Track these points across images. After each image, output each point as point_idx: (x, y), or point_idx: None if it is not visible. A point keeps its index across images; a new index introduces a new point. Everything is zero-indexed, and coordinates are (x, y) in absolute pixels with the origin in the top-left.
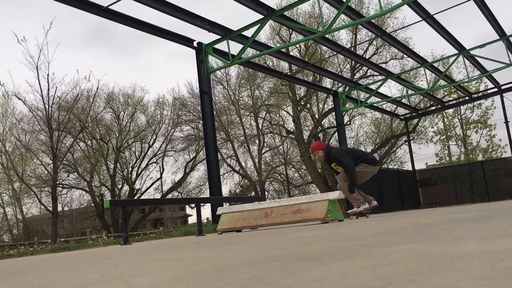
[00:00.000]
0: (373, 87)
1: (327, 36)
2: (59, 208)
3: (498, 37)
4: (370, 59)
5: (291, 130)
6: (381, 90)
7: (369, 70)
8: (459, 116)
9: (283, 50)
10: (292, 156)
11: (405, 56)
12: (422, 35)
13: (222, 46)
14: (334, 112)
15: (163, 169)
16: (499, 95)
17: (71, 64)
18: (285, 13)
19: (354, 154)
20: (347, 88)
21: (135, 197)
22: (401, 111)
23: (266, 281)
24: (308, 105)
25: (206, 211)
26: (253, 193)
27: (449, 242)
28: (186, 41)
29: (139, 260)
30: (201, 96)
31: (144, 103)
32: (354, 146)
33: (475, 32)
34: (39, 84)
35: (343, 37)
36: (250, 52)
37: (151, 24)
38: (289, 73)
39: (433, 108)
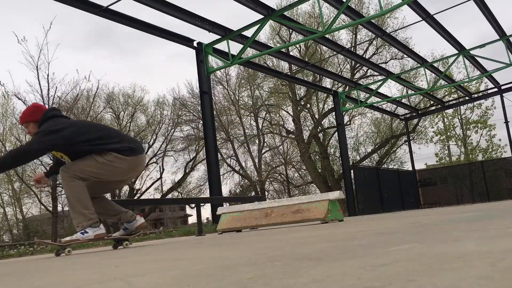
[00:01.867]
0: (373, 87)
1: (327, 36)
2: (59, 208)
3: (498, 37)
4: (370, 59)
5: (291, 130)
6: (381, 90)
7: (369, 70)
8: (459, 116)
9: (283, 50)
10: (292, 156)
11: (405, 56)
12: (422, 35)
13: (222, 46)
14: (334, 112)
15: (163, 169)
16: (499, 95)
17: (71, 64)
18: (285, 13)
19: (86, 132)
20: (347, 88)
21: (135, 197)
22: (401, 111)
23: (266, 281)
24: (308, 105)
25: (206, 211)
26: (253, 193)
27: (449, 242)
28: (186, 41)
29: (139, 260)
30: (201, 96)
31: (144, 103)
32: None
33: (475, 32)
34: (39, 84)
35: (343, 37)
36: (250, 52)
37: (151, 24)
38: (289, 73)
39: (433, 108)
